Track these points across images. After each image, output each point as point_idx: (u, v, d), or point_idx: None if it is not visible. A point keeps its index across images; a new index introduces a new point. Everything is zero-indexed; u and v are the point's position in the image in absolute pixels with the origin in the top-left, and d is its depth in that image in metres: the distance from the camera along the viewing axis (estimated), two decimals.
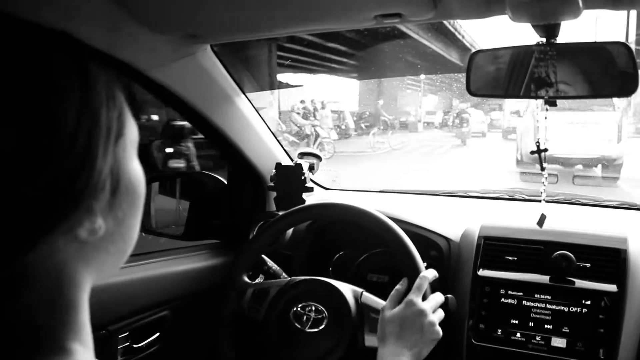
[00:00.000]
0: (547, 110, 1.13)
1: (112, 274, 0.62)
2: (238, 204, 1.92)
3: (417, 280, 1.28)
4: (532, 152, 1.18)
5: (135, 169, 0.60)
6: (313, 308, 1.37)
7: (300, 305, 1.38)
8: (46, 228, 0.50)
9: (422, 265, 1.34)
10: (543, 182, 1.28)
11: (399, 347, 1.20)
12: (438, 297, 1.30)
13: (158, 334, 1.63)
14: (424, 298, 1.27)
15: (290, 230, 1.81)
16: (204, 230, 1.91)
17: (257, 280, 1.61)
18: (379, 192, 2.22)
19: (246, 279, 1.49)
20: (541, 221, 1.33)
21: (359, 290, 1.40)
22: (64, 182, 0.50)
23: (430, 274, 1.31)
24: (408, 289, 1.28)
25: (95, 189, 0.52)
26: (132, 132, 0.59)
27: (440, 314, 1.29)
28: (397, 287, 1.31)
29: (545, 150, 1.17)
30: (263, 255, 1.59)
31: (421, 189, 2.18)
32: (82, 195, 0.51)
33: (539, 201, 1.82)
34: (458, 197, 2.05)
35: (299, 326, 1.36)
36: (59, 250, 0.53)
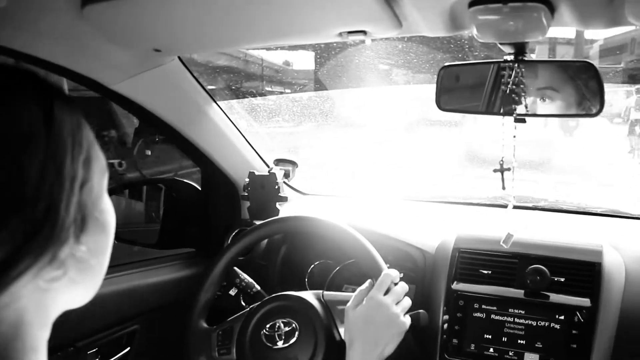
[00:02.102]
0: (515, 128, 1.11)
1: (77, 306, 0.62)
2: (213, 212, 1.91)
3: (379, 278, 1.30)
4: (495, 171, 1.17)
5: (103, 207, 0.60)
6: (281, 324, 1.37)
7: (267, 327, 1.38)
8: (8, 279, 0.50)
9: (383, 264, 1.37)
10: (511, 197, 1.27)
11: (366, 345, 1.21)
12: (400, 289, 1.30)
13: (128, 348, 1.62)
14: (387, 294, 1.28)
15: (265, 241, 1.81)
16: (178, 238, 1.89)
17: (231, 291, 1.60)
18: (358, 197, 2.20)
19: (204, 324, 1.47)
20: (507, 240, 1.33)
21: (319, 291, 1.43)
22: (26, 233, 0.49)
23: (394, 272, 1.32)
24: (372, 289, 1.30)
25: (58, 238, 0.52)
26: (100, 170, 0.59)
27: (405, 304, 1.29)
28: (360, 287, 1.33)
29: (508, 169, 1.16)
30: (235, 268, 1.58)
31: (404, 195, 2.17)
32: (45, 245, 0.51)
33: (528, 208, 1.83)
34: (439, 203, 2.04)
35: (274, 346, 1.35)
36: (20, 297, 0.52)
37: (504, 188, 1.20)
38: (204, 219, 1.90)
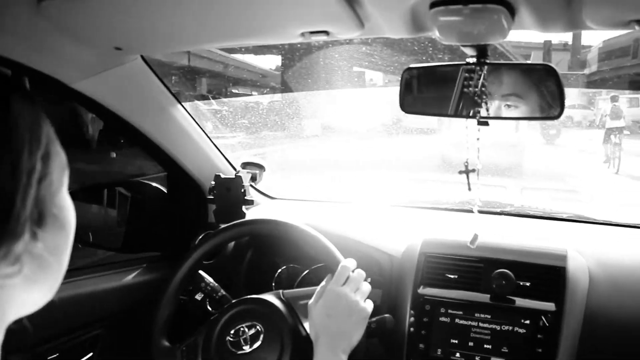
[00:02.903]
0: (479, 130, 1.11)
1: (36, 308, 0.60)
2: (178, 215, 1.88)
3: (337, 270, 1.31)
4: (460, 172, 1.16)
5: (62, 204, 0.59)
6: (245, 328, 1.36)
7: (232, 333, 1.37)
8: None
9: (340, 256, 1.38)
10: (477, 198, 1.27)
11: (331, 339, 1.22)
12: (357, 275, 1.31)
13: (91, 354, 1.58)
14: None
15: (232, 244, 1.79)
16: (143, 242, 1.86)
17: (196, 296, 1.58)
18: (326, 202, 2.20)
19: (166, 343, 1.44)
20: (473, 241, 1.32)
21: (279, 291, 1.44)
22: None
23: (351, 262, 1.33)
24: None
25: (13, 232, 0.51)
26: (59, 166, 0.58)
27: (364, 289, 1.30)
28: (322, 283, 1.33)
29: (473, 170, 1.16)
30: (201, 272, 1.56)
31: (372, 200, 2.17)
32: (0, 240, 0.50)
33: (495, 213, 1.83)
34: (407, 208, 2.04)
35: (241, 352, 1.34)
36: None
37: (469, 189, 1.20)
38: (170, 222, 1.87)
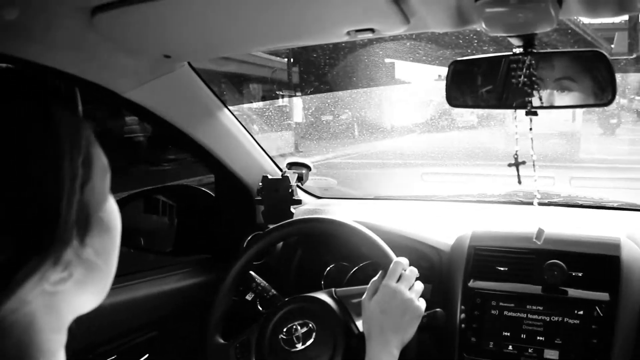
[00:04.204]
0: (531, 121, 1.10)
1: (90, 309, 0.62)
2: (226, 217, 1.91)
3: (390, 267, 1.31)
4: (510, 165, 1.16)
5: (107, 207, 0.60)
6: (297, 326, 1.37)
7: (284, 331, 1.38)
8: (14, 284, 0.49)
9: (392, 254, 1.38)
10: (537, 190, 1.26)
11: (385, 335, 1.22)
12: (411, 274, 1.31)
13: (147, 355, 1.62)
14: (399, 281, 1.29)
15: (281, 244, 1.81)
16: (193, 245, 1.90)
17: (247, 296, 1.60)
18: (373, 199, 2.20)
19: (220, 340, 1.47)
20: (539, 236, 1.31)
21: (331, 289, 1.45)
22: (29, 236, 0.49)
23: (403, 260, 1.33)
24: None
25: (61, 239, 0.52)
26: (101, 170, 0.59)
27: (417, 287, 1.30)
28: (373, 279, 1.33)
29: (523, 162, 1.15)
30: (251, 272, 1.58)
31: (417, 195, 2.16)
32: (49, 247, 0.51)
33: (546, 204, 1.81)
34: (453, 202, 2.03)
35: (293, 349, 1.35)
36: (28, 302, 0.52)
37: (519, 182, 1.19)
38: (219, 225, 1.90)
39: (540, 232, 1.33)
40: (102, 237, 0.59)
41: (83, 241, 0.55)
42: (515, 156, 1.15)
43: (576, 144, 7.86)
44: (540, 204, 1.23)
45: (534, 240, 1.33)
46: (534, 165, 1.19)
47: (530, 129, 1.14)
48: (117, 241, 0.62)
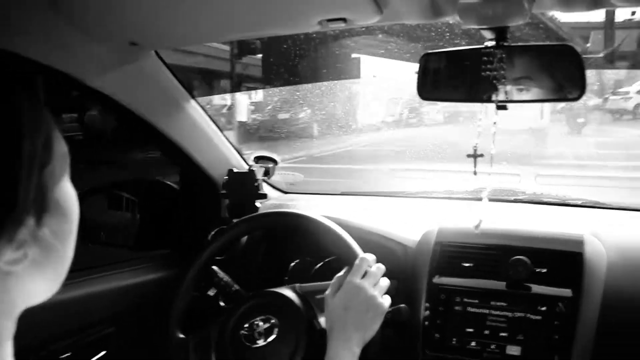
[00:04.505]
0: (496, 114, 1.11)
1: (44, 298, 0.60)
2: (191, 211, 1.88)
3: (356, 262, 1.30)
4: (469, 156, 1.16)
5: (64, 192, 0.59)
6: (259, 322, 1.36)
7: (245, 327, 1.36)
8: None
9: (359, 249, 1.37)
10: (487, 186, 1.26)
11: (347, 332, 1.21)
12: (376, 270, 1.30)
13: (104, 352, 1.57)
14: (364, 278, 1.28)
15: (245, 238, 1.79)
16: (155, 240, 1.86)
17: (209, 292, 1.57)
18: (340, 194, 2.20)
19: (180, 335, 1.44)
20: (478, 226, 1.31)
21: (294, 284, 1.44)
22: None
23: (369, 256, 1.32)
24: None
25: (17, 219, 0.51)
26: (60, 154, 0.58)
27: (382, 284, 1.30)
28: (338, 275, 1.32)
29: (481, 155, 1.15)
30: (214, 267, 1.55)
31: (385, 191, 2.17)
32: (3, 225, 0.50)
33: (509, 201, 1.83)
34: (421, 198, 2.04)
35: (255, 345, 1.33)
36: None
37: (475, 173, 1.19)
38: (182, 219, 1.87)
39: (479, 222, 1.33)
40: (59, 219, 0.58)
41: (39, 222, 0.55)
42: (475, 148, 1.15)
43: (542, 142, 8.02)
44: (491, 199, 1.24)
45: (473, 228, 1.33)
46: (491, 159, 1.19)
47: (495, 122, 1.14)
48: (74, 226, 0.61)
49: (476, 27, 1.01)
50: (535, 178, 2.55)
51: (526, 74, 1.07)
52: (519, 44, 1.05)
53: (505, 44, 1.04)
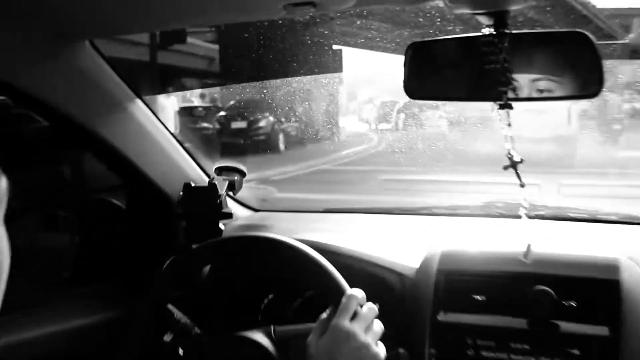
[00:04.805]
0: (507, 115, 1.13)
1: None
2: (139, 236, 1.89)
3: (342, 301, 1.29)
4: (506, 167, 1.18)
5: None
6: None
7: None
8: None
9: (345, 285, 1.36)
10: (523, 199, 1.28)
11: None
12: (368, 311, 1.30)
13: None
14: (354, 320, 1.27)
15: (207, 269, 1.80)
16: (95, 271, 1.88)
17: (165, 337, 1.59)
18: (322, 212, 2.22)
19: None
20: (527, 254, 1.33)
21: (269, 326, 1.44)
22: None
23: (359, 293, 1.31)
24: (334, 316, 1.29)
25: None
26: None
27: (376, 329, 1.29)
28: (322, 316, 1.32)
29: (521, 161, 1.17)
30: (169, 305, 1.57)
31: (376, 207, 2.18)
32: None
33: (529, 217, 1.84)
34: (420, 215, 2.06)
35: None
36: None
37: (522, 185, 1.21)
38: (129, 245, 1.88)
39: (529, 249, 1.34)
40: None
41: None
42: (509, 156, 1.16)
43: (569, 151, 8.01)
44: (517, 216, 1.26)
45: (521, 258, 1.34)
46: (516, 168, 1.21)
47: (509, 124, 1.16)
48: (3, 273, 0.64)
49: (469, 12, 1.03)
50: (558, 188, 2.56)
51: (533, 67, 1.09)
52: (523, 30, 1.07)
53: (506, 30, 1.06)
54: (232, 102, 10.06)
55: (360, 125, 10.11)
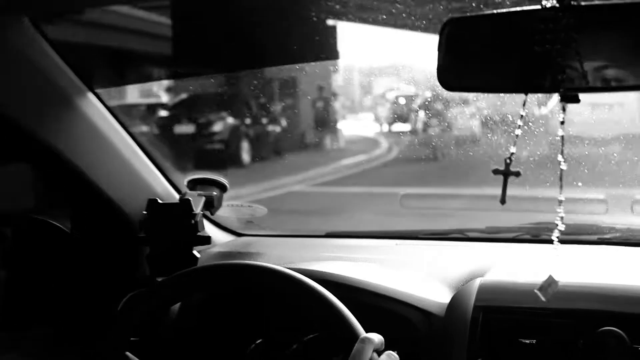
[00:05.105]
0: (564, 110, 1.13)
1: None
2: (89, 266, 1.88)
3: (356, 346, 1.29)
4: (496, 172, 1.16)
5: None
6: None
7: None
8: None
9: (359, 327, 1.36)
10: (557, 217, 1.26)
11: None
12: (388, 358, 1.31)
13: None
14: None
15: (177, 307, 1.79)
16: (33, 312, 1.86)
17: None
18: (324, 237, 2.21)
19: None
20: (545, 288, 1.31)
21: None
22: None
23: (376, 337, 1.32)
24: None
25: None
26: None
27: None
28: None
29: (517, 174, 1.16)
30: (128, 354, 1.56)
31: (392, 230, 2.18)
32: None
33: (591, 243, 1.83)
34: (450, 240, 2.06)
35: None
36: None
37: (503, 201, 1.19)
38: (76, 279, 1.87)
39: (549, 281, 1.31)
40: None
41: None
42: (508, 161, 1.15)
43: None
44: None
45: (536, 291, 1.32)
46: (561, 179, 1.20)
47: (562, 122, 1.15)
48: None
49: None
50: (631, 206, 2.56)
51: (607, 49, 1.08)
52: (596, 2, 1.07)
53: (574, 2, 1.06)
54: (182, 97, 9.88)
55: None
